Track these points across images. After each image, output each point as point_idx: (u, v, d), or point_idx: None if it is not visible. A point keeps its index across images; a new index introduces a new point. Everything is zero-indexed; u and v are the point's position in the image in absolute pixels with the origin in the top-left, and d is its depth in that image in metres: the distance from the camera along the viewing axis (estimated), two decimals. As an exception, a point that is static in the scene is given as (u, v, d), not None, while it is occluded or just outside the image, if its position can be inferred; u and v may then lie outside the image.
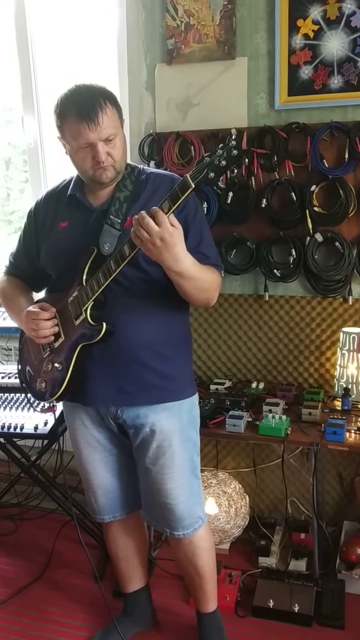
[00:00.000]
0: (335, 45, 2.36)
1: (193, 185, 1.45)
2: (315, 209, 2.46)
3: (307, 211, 2.47)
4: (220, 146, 1.46)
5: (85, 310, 1.71)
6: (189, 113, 2.63)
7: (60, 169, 3.06)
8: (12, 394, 2.66)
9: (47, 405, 2.00)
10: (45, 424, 2.44)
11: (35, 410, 1.99)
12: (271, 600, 2.25)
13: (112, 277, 1.64)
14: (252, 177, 2.50)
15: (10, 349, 2.94)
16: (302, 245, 2.52)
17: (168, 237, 1.48)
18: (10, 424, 2.46)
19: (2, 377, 2.63)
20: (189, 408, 1.90)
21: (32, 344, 1.91)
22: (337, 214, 2.43)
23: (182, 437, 1.87)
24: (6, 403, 2.63)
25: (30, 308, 1.81)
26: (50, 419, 2.46)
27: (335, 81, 2.39)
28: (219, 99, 2.57)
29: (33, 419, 2.49)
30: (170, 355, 1.82)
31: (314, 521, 2.40)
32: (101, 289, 1.67)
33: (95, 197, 1.80)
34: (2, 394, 2.68)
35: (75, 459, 2.05)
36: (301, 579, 2.35)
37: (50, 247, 1.84)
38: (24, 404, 2.60)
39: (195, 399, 1.94)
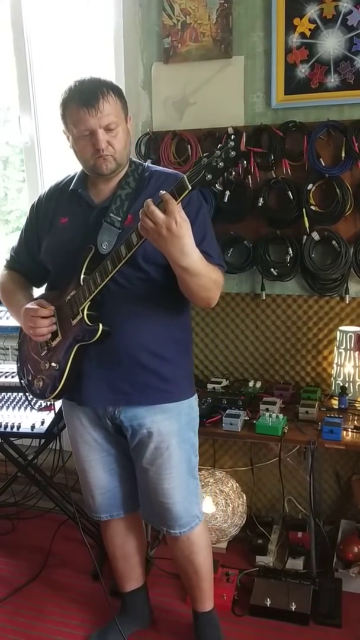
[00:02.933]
0: (331, 43, 2.36)
1: (190, 187, 1.43)
2: (312, 207, 2.46)
3: (304, 210, 2.47)
4: (218, 147, 1.43)
5: (82, 310, 1.70)
6: (186, 112, 2.63)
7: (57, 168, 3.07)
8: (8, 393, 2.66)
9: (45, 403, 2.00)
10: (42, 423, 2.43)
11: (33, 408, 1.99)
12: (268, 599, 2.25)
13: (108, 278, 1.63)
14: (249, 176, 2.50)
15: (7, 348, 2.94)
16: (299, 244, 2.52)
17: (175, 227, 1.43)
18: (7, 423, 2.45)
19: (-1, 377, 2.63)
20: (188, 410, 1.89)
21: (31, 342, 1.90)
22: (334, 212, 2.43)
23: (180, 438, 1.86)
24: (2, 402, 2.63)
25: (29, 305, 1.80)
26: (47, 418, 2.46)
27: (332, 80, 2.39)
28: (216, 98, 2.57)
29: (30, 418, 2.48)
30: (168, 356, 1.80)
31: (311, 520, 2.40)
32: (98, 290, 1.66)
33: (97, 192, 1.78)
34: (-1, 393, 2.68)
35: (73, 457, 2.05)
36: (298, 578, 2.35)
37: (49, 243, 1.83)
38: (20, 403, 2.60)
39: (194, 400, 1.93)
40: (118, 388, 1.78)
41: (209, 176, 1.41)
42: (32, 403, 2.00)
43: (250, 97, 2.53)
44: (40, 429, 2.42)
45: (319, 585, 2.32)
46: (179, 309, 1.82)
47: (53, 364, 1.79)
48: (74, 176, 1.85)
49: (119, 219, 1.70)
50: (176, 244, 1.47)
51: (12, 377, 2.59)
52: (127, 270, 1.66)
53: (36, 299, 1.91)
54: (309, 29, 2.38)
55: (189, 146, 2.57)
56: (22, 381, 1.98)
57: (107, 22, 2.73)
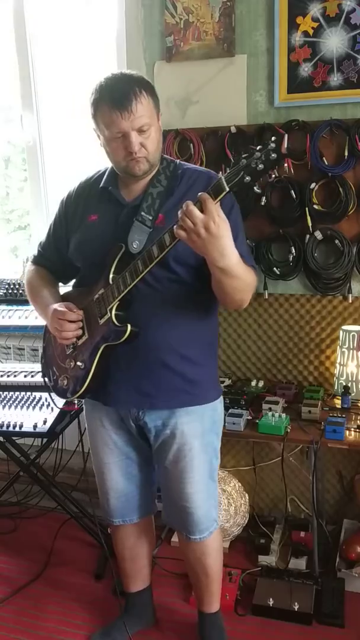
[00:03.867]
0: (334, 42, 2.36)
1: (227, 189, 1.38)
2: (315, 206, 2.46)
3: (306, 209, 2.46)
4: (258, 148, 1.38)
5: (110, 310, 1.66)
6: (188, 111, 2.62)
7: (59, 167, 3.07)
8: (11, 392, 2.65)
9: (67, 402, 1.95)
10: (45, 422, 2.43)
11: (56, 406, 1.96)
12: (271, 599, 2.25)
13: (138, 278, 1.59)
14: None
15: (9, 347, 2.94)
16: (301, 243, 2.52)
17: (214, 227, 1.40)
18: (9, 422, 2.45)
19: (1, 376, 2.62)
20: (211, 412, 1.85)
21: (56, 341, 1.86)
22: (337, 211, 2.43)
23: (203, 441, 1.83)
24: (5, 401, 2.62)
25: (57, 307, 1.76)
26: (50, 417, 2.46)
27: (335, 78, 2.39)
28: (218, 97, 2.56)
29: (32, 417, 2.48)
30: (195, 358, 1.77)
31: (314, 519, 2.39)
32: (127, 290, 1.62)
33: (128, 191, 1.74)
34: (1, 392, 2.67)
35: (92, 458, 2.02)
36: (301, 578, 2.34)
37: (79, 240, 1.79)
38: (22, 401, 2.60)
39: (218, 403, 1.89)
40: (143, 390, 1.75)
41: (248, 178, 1.37)
42: (55, 402, 1.96)
43: (252, 96, 2.53)
44: (43, 428, 2.41)
45: (321, 585, 2.32)
46: (208, 311, 1.79)
47: (78, 363, 1.75)
48: (104, 172, 1.81)
49: (150, 217, 1.67)
50: (215, 244, 1.43)
51: (15, 376, 2.59)
52: (157, 270, 1.62)
53: (63, 295, 1.88)
54: (312, 28, 2.37)
55: (191, 145, 2.57)
56: (47, 379, 1.94)
57: (110, 21, 2.73)
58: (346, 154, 2.38)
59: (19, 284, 2.88)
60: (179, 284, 1.69)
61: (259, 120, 2.51)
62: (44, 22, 2.90)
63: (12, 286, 2.88)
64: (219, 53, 2.52)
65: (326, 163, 2.42)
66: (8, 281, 2.92)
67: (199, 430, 1.82)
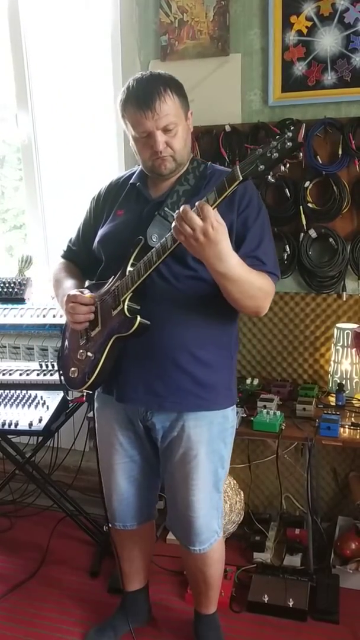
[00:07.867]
0: (328, 41, 2.37)
1: (241, 178, 1.38)
2: (309, 205, 2.47)
3: (301, 207, 2.47)
4: (276, 137, 1.38)
5: (123, 301, 1.65)
6: (183, 109, 2.63)
7: (55, 166, 3.07)
8: (6, 391, 2.66)
9: (77, 394, 1.94)
10: (40, 420, 2.43)
11: (68, 397, 1.95)
12: (266, 596, 2.26)
13: (152, 269, 1.58)
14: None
15: (5, 346, 2.94)
16: (296, 241, 2.53)
17: (212, 232, 1.40)
18: (4, 420, 2.45)
19: (-3, 374, 2.63)
20: (222, 420, 1.81)
21: (71, 333, 1.86)
22: (331, 210, 2.44)
23: (209, 449, 1.80)
24: (1, 400, 2.62)
25: (71, 291, 1.77)
26: (45, 415, 2.46)
27: (329, 77, 2.40)
28: (213, 96, 2.56)
29: (27, 415, 2.48)
30: (209, 360, 1.74)
31: (309, 516, 2.40)
32: (141, 280, 1.61)
33: (156, 189, 1.76)
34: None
35: (99, 458, 2.01)
36: (296, 574, 2.36)
37: (103, 233, 1.81)
38: (19, 400, 2.60)
39: (231, 411, 1.84)
40: (152, 388, 1.74)
41: (262, 167, 1.37)
42: (67, 392, 1.95)
43: (247, 95, 2.54)
44: (38, 426, 2.42)
45: (316, 582, 2.33)
46: (227, 313, 1.74)
47: (89, 354, 1.75)
48: (135, 171, 1.84)
49: (173, 213, 1.63)
50: (213, 248, 1.44)
51: (10, 374, 2.59)
52: (176, 267, 1.64)
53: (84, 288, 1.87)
54: (306, 27, 2.38)
55: (186, 144, 2.57)
56: (60, 370, 1.94)
57: (105, 20, 2.73)
58: (340, 152, 2.39)
59: (15, 283, 2.88)
60: (197, 281, 1.67)
61: (253, 119, 2.52)
62: (38, 21, 2.90)
63: (7, 285, 2.88)
64: (213, 52, 2.53)
65: (320, 162, 2.43)
66: (3, 280, 2.92)
67: (205, 437, 1.78)
